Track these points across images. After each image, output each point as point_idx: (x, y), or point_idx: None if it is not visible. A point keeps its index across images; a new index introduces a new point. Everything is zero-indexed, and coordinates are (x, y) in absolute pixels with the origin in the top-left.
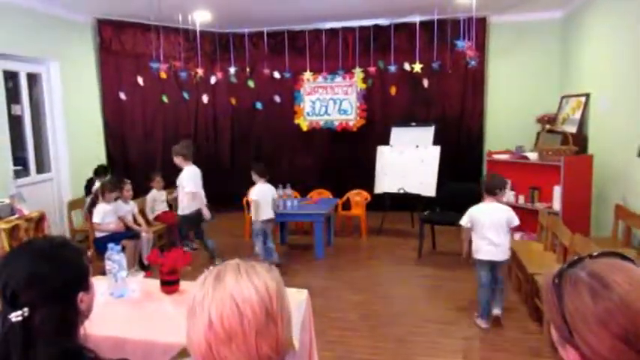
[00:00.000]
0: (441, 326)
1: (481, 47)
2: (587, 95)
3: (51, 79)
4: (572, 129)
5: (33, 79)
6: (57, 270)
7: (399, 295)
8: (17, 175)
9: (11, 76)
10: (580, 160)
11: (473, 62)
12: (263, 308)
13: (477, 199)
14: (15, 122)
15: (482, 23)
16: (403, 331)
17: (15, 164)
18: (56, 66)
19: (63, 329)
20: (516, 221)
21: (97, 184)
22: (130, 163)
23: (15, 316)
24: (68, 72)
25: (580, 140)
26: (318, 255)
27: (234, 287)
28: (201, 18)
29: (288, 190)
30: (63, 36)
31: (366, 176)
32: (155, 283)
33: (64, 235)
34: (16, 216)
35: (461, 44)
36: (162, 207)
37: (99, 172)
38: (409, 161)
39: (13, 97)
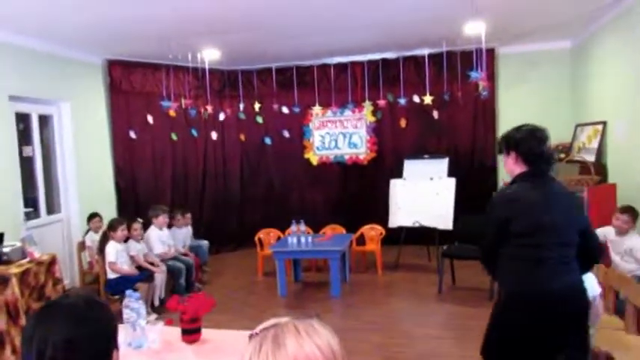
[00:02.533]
0: None
1: (491, 78)
2: (604, 123)
3: (62, 120)
4: (589, 158)
5: (44, 120)
6: (95, 334)
7: (423, 335)
8: (28, 216)
9: (23, 118)
10: (604, 190)
11: (485, 93)
12: None
13: None
14: (26, 163)
15: (490, 54)
16: None
17: (26, 205)
18: (67, 107)
19: None
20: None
21: (90, 233)
22: (140, 201)
23: None
24: (79, 112)
25: (599, 169)
26: (334, 293)
27: (298, 352)
28: (210, 56)
29: (302, 226)
30: (74, 77)
31: (379, 210)
32: (175, 332)
33: (87, 290)
34: (27, 259)
35: (475, 75)
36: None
37: (91, 218)
38: (424, 194)
39: (24, 138)
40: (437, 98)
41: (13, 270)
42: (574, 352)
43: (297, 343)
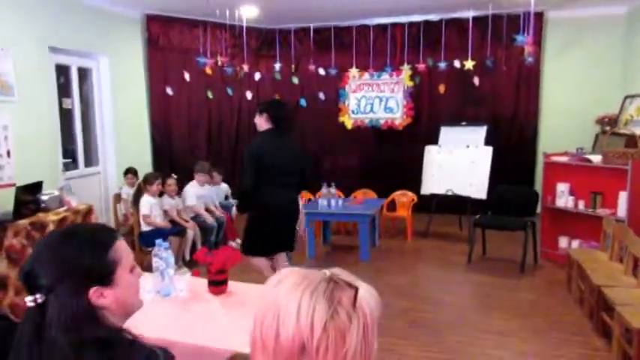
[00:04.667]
0: (495, 337)
1: (537, 43)
2: None
3: (100, 74)
4: (638, 131)
5: (83, 73)
6: (69, 252)
7: (449, 303)
8: (66, 167)
9: (63, 71)
10: None
11: (530, 59)
12: (298, 337)
13: (531, 203)
14: (65, 116)
15: (539, 18)
16: (455, 341)
17: (64, 157)
18: (106, 61)
19: (75, 322)
20: None
21: (125, 187)
22: (174, 157)
23: (29, 301)
24: (117, 67)
25: None
26: (363, 257)
27: (283, 297)
28: (248, 14)
29: (332, 189)
30: (113, 31)
31: (412, 176)
32: (202, 283)
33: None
34: (65, 208)
35: (520, 39)
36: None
37: (125, 173)
38: (459, 162)
39: (64, 90)
40: (479, 64)
41: (51, 217)
42: (291, 236)
43: (287, 290)
